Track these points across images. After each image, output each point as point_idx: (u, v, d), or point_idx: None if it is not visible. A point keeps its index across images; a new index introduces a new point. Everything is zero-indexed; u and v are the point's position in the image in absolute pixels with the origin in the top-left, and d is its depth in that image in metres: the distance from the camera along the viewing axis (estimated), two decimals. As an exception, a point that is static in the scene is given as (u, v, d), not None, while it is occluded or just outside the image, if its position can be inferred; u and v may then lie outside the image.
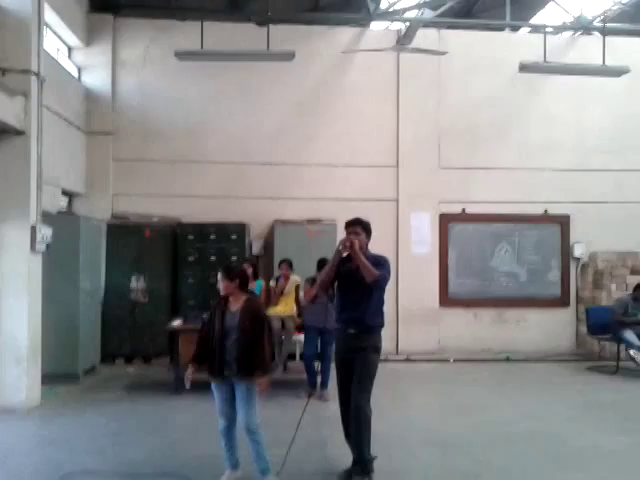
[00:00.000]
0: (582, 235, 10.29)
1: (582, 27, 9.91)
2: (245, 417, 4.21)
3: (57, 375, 7.13)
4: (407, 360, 9.38)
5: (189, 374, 4.34)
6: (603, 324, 8.85)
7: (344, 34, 10.15)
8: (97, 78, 9.71)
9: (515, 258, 10.34)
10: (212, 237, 9.08)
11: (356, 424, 4.35)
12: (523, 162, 10.27)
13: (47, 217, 6.93)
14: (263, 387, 4.18)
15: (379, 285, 4.38)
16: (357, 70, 10.10)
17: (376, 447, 4.45)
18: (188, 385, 4.30)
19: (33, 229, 6.42)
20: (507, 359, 9.52)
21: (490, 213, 10.23)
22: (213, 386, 4.33)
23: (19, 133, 6.41)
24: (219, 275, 4.34)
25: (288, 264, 7.63)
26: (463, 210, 10.25)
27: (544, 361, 9.52)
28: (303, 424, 4.64)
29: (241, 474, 4.36)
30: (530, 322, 10.27)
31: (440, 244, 10.14)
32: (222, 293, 4.36)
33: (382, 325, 4.55)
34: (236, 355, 4.19)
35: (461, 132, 10.24)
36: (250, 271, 7.46)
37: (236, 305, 4.31)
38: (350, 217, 4.68)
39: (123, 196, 9.64)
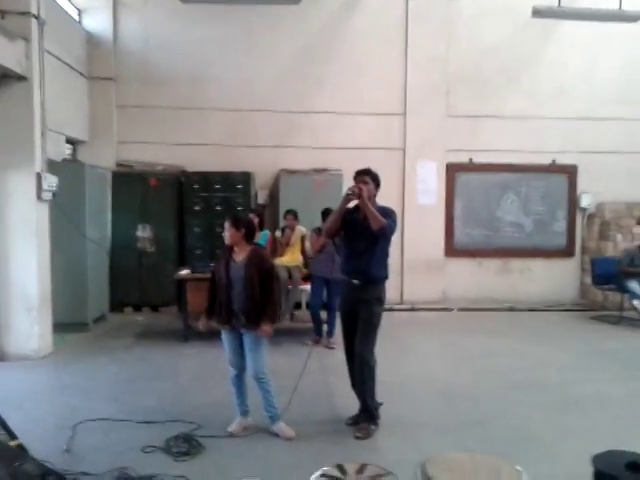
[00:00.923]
0: (589, 185, 10.21)
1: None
2: (254, 365, 4.30)
3: (67, 324, 7.22)
4: (411, 309, 9.48)
5: (202, 324, 4.48)
6: (608, 274, 8.91)
7: (352, -24, 9.80)
8: (98, 21, 9.43)
9: (521, 208, 10.30)
10: (217, 186, 9.02)
11: (360, 374, 4.44)
12: (532, 111, 10.08)
13: (52, 165, 6.88)
14: (266, 331, 4.24)
15: (385, 234, 4.36)
16: (364, 14, 9.79)
17: (381, 395, 4.55)
18: (203, 328, 4.47)
19: (38, 176, 6.37)
20: (511, 309, 9.62)
21: (497, 163, 10.12)
22: (222, 335, 4.41)
23: (21, 78, 6.27)
24: (226, 224, 4.34)
25: (294, 215, 7.61)
26: (470, 160, 10.14)
27: (548, 311, 9.61)
28: (309, 371, 4.73)
29: (251, 421, 4.47)
30: (535, 272, 10.33)
31: (446, 194, 10.09)
32: (227, 242, 4.36)
33: (386, 277, 4.57)
34: (242, 305, 4.24)
35: (470, 79, 10.02)
36: (256, 221, 7.46)
37: (241, 255, 4.32)
38: (356, 166, 4.65)
39: (127, 144, 9.52)
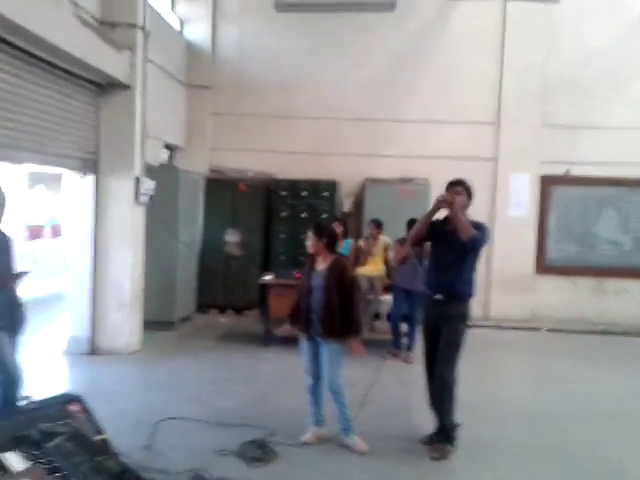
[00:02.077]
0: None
1: None
2: (329, 376, 4.30)
3: (155, 322, 7.52)
4: (497, 327, 9.13)
5: (282, 329, 4.58)
6: None
7: (448, -19, 9.63)
8: (198, 31, 9.83)
9: (621, 225, 9.68)
10: (304, 194, 9.12)
11: (440, 393, 4.32)
12: (637, 121, 9.46)
13: (149, 169, 7.21)
14: (356, 348, 4.23)
15: (475, 245, 4.20)
16: (460, 20, 9.57)
17: (461, 415, 4.41)
18: (279, 333, 4.60)
19: (137, 180, 6.70)
20: (604, 332, 9.04)
21: (596, 176, 9.56)
22: (301, 342, 4.43)
23: (125, 87, 6.61)
24: (309, 232, 4.37)
25: (375, 224, 7.56)
26: (567, 171, 9.64)
27: (645, 336, 8.97)
28: (386, 385, 4.66)
29: (325, 431, 4.46)
30: (632, 293, 9.64)
31: (540, 207, 9.65)
32: (310, 251, 4.39)
33: (472, 294, 4.40)
34: (321, 315, 4.25)
35: (570, 86, 9.54)
36: (340, 230, 7.47)
37: (323, 264, 4.34)
38: (445, 177, 4.56)
39: (220, 150, 9.84)
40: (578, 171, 9.60)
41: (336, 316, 4.22)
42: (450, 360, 4.30)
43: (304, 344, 4.42)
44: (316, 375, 4.41)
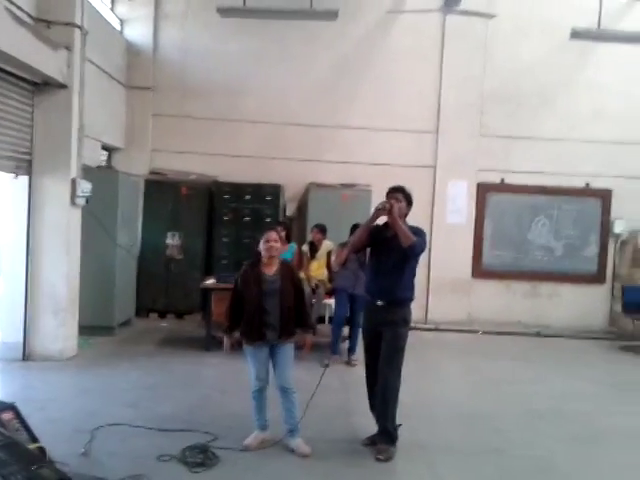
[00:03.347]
0: (624, 211, 10.00)
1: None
2: (286, 376, 4.35)
3: (93, 327, 7.34)
4: (436, 329, 9.38)
5: (231, 341, 4.59)
6: (639, 303, 8.68)
7: (390, -7, 9.84)
8: (139, 31, 9.66)
9: (552, 232, 10.15)
10: (247, 197, 9.10)
11: (385, 397, 4.36)
12: (568, 133, 9.96)
13: (87, 171, 7.02)
14: (306, 343, 4.29)
15: (415, 251, 4.26)
16: (401, 31, 9.81)
17: (400, 416, 4.49)
18: (233, 344, 4.60)
19: (73, 182, 6.52)
20: (537, 334, 9.43)
21: (530, 185, 10.00)
22: (249, 350, 4.36)
23: (62, 86, 6.44)
24: (273, 234, 4.34)
25: (319, 228, 7.62)
26: (502, 180, 10.04)
27: (576, 338, 9.40)
28: (329, 388, 4.70)
29: (268, 436, 4.45)
30: (564, 297, 10.14)
31: (476, 214, 9.99)
32: (273, 254, 4.33)
33: (412, 299, 4.49)
34: (279, 317, 4.28)
35: (505, 99, 9.96)
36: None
37: (272, 269, 4.35)
38: (386, 183, 4.68)
39: (161, 152, 9.69)
40: (512, 179, 10.01)
41: (292, 317, 4.32)
42: (396, 366, 4.36)
43: (254, 350, 4.34)
44: (266, 380, 4.39)
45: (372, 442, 4.48)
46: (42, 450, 3.31)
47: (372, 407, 4.57)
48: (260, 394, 4.40)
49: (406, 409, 4.80)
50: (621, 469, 4.41)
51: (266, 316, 4.27)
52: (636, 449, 4.86)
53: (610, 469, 4.39)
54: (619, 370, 7.57)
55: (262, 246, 4.34)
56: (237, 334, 4.42)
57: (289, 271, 4.43)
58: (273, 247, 4.32)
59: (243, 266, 4.47)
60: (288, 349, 4.37)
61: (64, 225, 6.52)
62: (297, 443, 4.35)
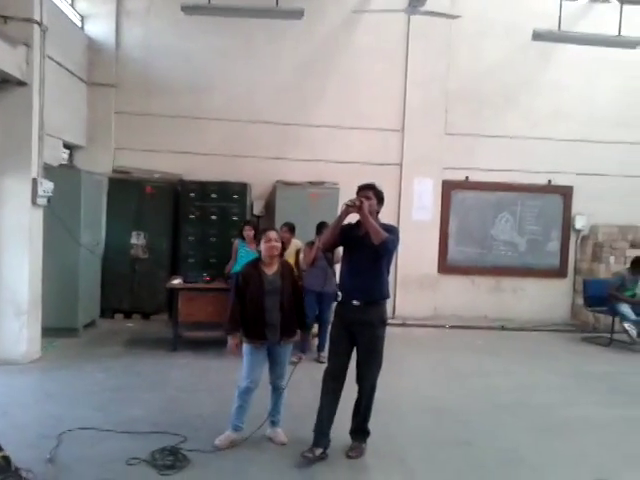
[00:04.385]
0: (584, 207, 10.29)
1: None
2: (282, 375, 4.45)
3: (57, 329, 7.20)
4: (403, 325, 9.47)
5: (233, 346, 4.34)
6: (599, 296, 8.92)
7: (355, -8, 9.87)
8: (101, 28, 9.46)
9: (516, 227, 10.36)
10: (213, 196, 9.00)
11: (368, 403, 4.41)
12: (530, 131, 10.17)
13: (48, 170, 6.89)
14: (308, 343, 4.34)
15: (387, 248, 4.12)
16: (366, 30, 9.85)
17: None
18: (235, 351, 4.34)
19: (34, 182, 6.37)
20: (502, 327, 9.62)
21: (493, 182, 10.18)
22: (248, 349, 4.33)
23: (21, 84, 6.29)
24: (273, 234, 4.33)
25: (288, 227, 7.59)
26: (466, 178, 10.20)
27: (539, 330, 9.61)
28: (300, 386, 4.70)
29: (240, 437, 4.41)
30: (527, 292, 10.37)
31: (442, 211, 10.12)
32: (274, 254, 4.32)
33: (388, 297, 4.41)
34: (280, 317, 4.30)
35: (469, 98, 10.11)
36: (252, 234, 7.47)
37: (272, 268, 4.35)
38: (353, 181, 4.65)
39: (125, 150, 9.52)
40: (476, 177, 10.17)
41: (293, 317, 4.37)
42: (376, 369, 4.35)
43: (254, 349, 4.32)
44: (259, 380, 4.39)
45: (314, 454, 4.20)
46: (6, 459, 3.23)
47: (331, 404, 4.31)
48: (247, 394, 4.38)
49: (376, 404, 4.78)
50: (585, 458, 4.54)
51: (267, 316, 4.28)
52: (598, 438, 4.99)
53: (574, 459, 4.51)
54: (581, 361, 7.77)
55: (263, 246, 4.33)
56: (240, 334, 4.37)
57: (289, 269, 4.48)
58: (274, 247, 4.30)
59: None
60: (287, 349, 4.43)
61: (25, 225, 6.36)
62: (277, 432, 4.48)
